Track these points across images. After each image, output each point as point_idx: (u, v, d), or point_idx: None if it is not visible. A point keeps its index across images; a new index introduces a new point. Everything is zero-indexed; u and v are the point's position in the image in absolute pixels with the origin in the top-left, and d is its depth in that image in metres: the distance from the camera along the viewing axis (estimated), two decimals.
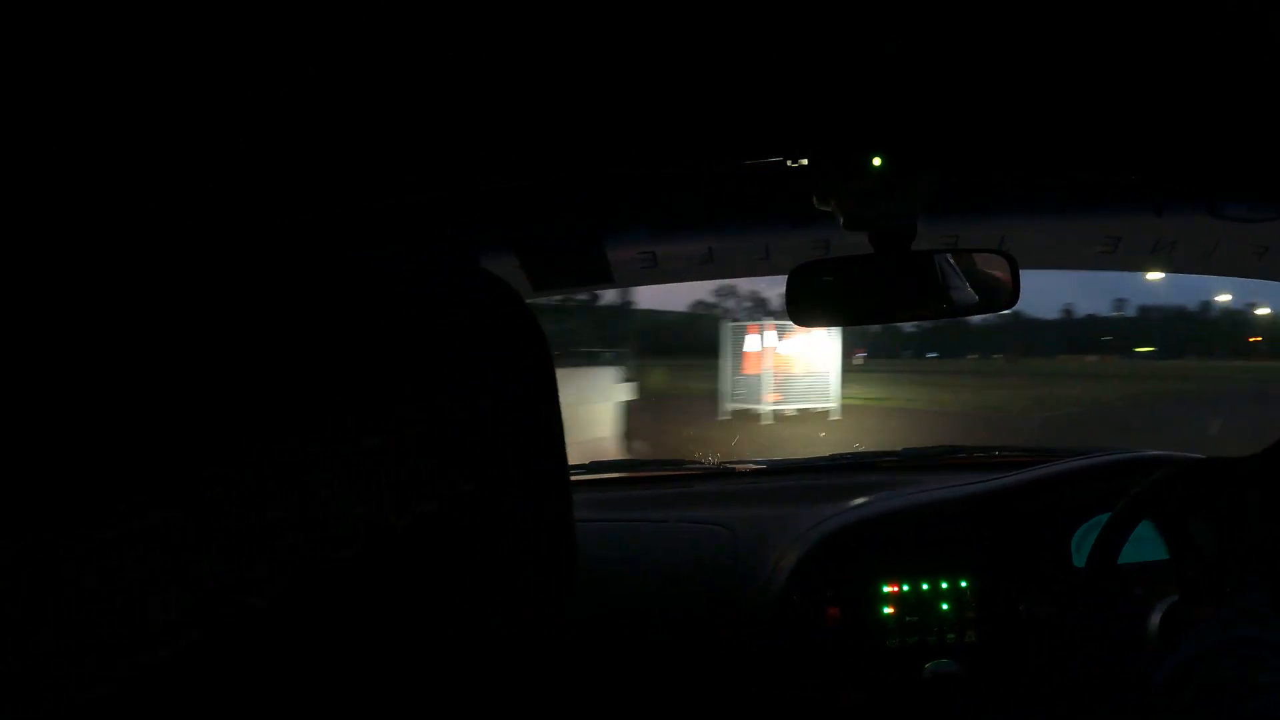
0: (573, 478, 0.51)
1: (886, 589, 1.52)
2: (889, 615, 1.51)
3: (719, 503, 1.81)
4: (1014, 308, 1.36)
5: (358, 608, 0.37)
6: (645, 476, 2.00)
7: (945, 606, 1.52)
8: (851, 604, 1.50)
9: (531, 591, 0.44)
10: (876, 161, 1.17)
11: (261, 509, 0.34)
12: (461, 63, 0.81)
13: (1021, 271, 1.35)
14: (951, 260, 1.37)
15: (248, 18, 0.69)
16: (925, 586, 1.52)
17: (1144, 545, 1.53)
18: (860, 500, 1.66)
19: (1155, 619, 1.43)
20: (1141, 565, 1.53)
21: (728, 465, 2.06)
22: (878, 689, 1.49)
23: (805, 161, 1.21)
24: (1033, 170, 1.36)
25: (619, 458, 2.20)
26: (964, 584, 1.52)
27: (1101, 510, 1.55)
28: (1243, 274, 2.07)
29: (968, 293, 1.37)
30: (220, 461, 0.34)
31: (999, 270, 1.37)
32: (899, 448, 2.11)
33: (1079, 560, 1.54)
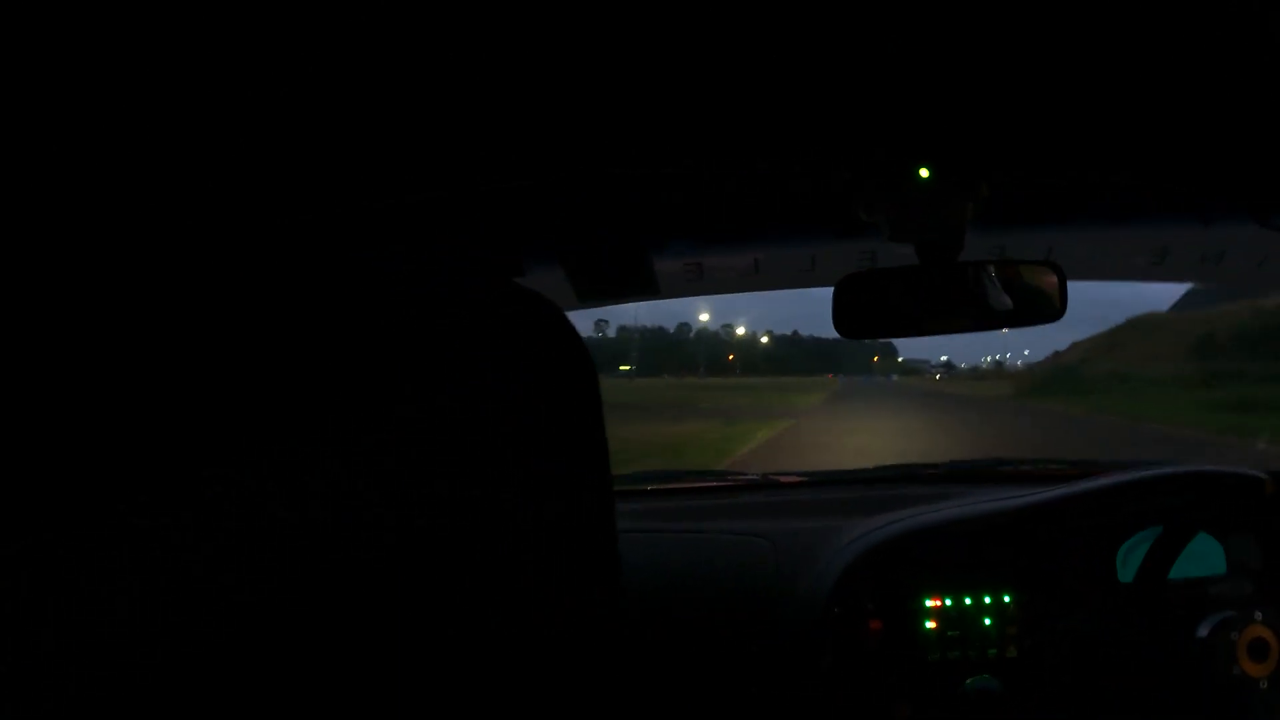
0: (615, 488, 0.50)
1: (929, 603, 1.50)
2: (931, 629, 1.50)
3: (761, 514, 1.80)
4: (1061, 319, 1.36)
5: (358, 608, 0.37)
6: (688, 488, 2.00)
7: (988, 621, 1.50)
8: (893, 617, 1.50)
9: (536, 594, 0.44)
10: (923, 173, 1.17)
11: (261, 509, 0.34)
12: (475, 61, 0.81)
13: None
14: (997, 272, 1.37)
15: (248, 18, 0.69)
16: (968, 601, 1.51)
17: (1190, 560, 1.52)
18: (903, 513, 1.65)
19: (1202, 634, 1.41)
20: (1187, 581, 1.51)
21: (771, 476, 2.05)
22: (919, 703, 1.48)
23: (851, 173, 1.21)
24: (1080, 180, 1.35)
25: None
26: (1007, 599, 1.51)
27: (1147, 525, 1.53)
28: None
29: (1014, 304, 1.37)
30: (220, 461, 0.34)
31: (1046, 281, 1.36)
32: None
33: (1124, 575, 1.52)
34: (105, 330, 0.34)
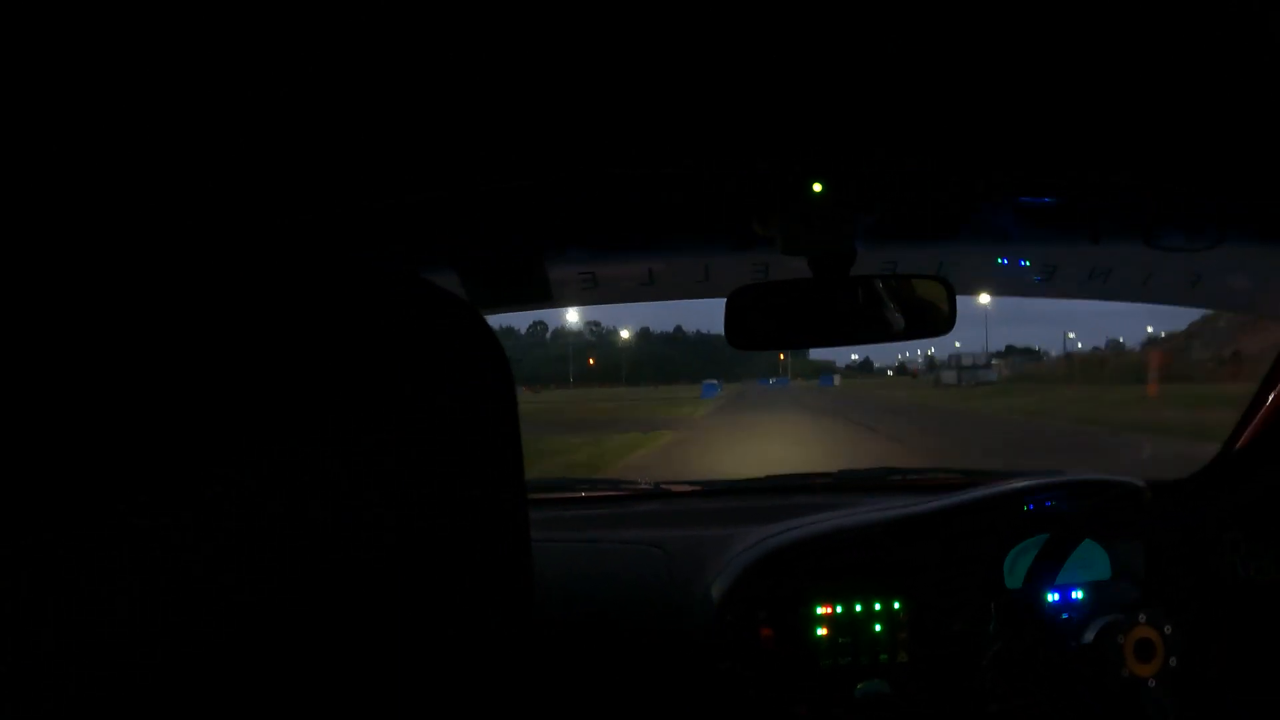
0: None
1: (820, 610, 1.52)
2: (822, 636, 1.51)
3: (653, 524, 1.80)
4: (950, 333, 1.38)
5: (358, 608, 0.37)
6: (579, 497, 1.99)
7: (878, 628, 1.52)
8: (785, 625, 1.50)
9: (529, 593, 0.45)
10: (816, 187, 1.17)
11: (261, 509, 0.34)
12: (446, 64, 0.82)
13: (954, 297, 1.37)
14: (889, 286, 1.38)
15: (248, 18, 0.69)
16: (858, 608, 1.52)
17: (1076, 567, 1.55)
18: (794, 522, 1.66)
19: (1089, 637, 1.44)
20: (1074, 585, 1.55)
21: (663, 486, 2.05)
22: (812, 708, 1.48)
23: (746, 186, 1.21)
24: (970, 198, 1.37)
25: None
26: (896, 605, 1.53)
27: (1033, 532, 1.57)
28: (1176, 302, 2.11)
29: (905, 317, 1.38)
30: (221, 461, 0.34)
31: (936, 296, 1.38)
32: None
33: (1011, 582, 1.55)
34: (106, 330, 0.34)
